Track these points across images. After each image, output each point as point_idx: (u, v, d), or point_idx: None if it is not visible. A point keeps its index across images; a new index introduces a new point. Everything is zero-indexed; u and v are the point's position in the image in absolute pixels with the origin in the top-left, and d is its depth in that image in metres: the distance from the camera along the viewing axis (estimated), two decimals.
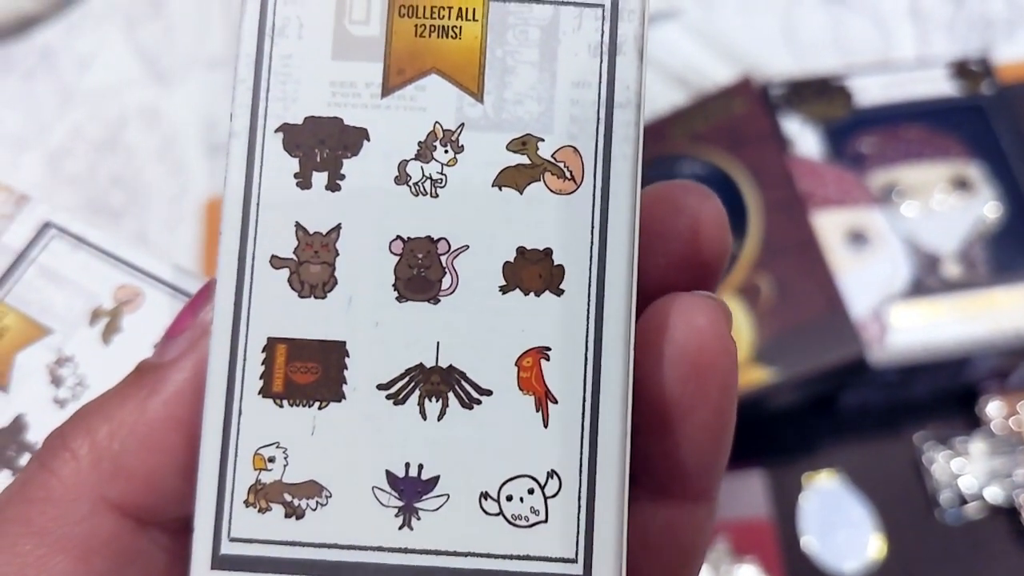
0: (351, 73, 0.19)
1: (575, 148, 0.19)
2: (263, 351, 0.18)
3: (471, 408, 0.18)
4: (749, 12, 0.71)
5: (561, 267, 0.18)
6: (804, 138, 0.57)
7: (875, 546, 0.52)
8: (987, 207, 0.55)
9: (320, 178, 0.19)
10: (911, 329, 0.51)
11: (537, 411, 0.18)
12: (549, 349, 0.18)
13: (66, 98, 0.72)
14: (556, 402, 0.18)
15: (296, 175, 0.19)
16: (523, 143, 0.19)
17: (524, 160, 0.19)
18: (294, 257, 0.18)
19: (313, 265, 0.18)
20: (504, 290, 0.18)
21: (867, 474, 0.54)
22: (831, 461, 0.55)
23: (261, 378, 0.18)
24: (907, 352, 0.51)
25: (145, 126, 0.71)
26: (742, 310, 0.51)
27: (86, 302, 0.25)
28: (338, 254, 0.18)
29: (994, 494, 0.52)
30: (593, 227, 0.18)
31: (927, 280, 0.53)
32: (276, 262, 0.18)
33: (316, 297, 0.18)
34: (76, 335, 0.25)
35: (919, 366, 0.52)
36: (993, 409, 0.55)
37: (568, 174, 0.19)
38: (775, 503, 0.53)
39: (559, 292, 0.18)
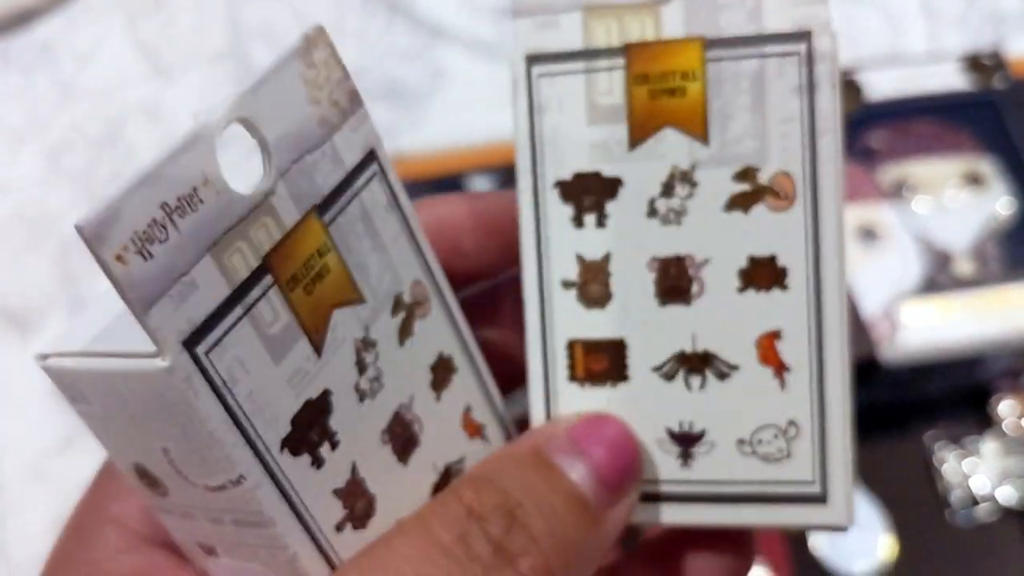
0: (603, 134, 0.24)
1: (787, 172, 0.23)
2: (566, 349, 0.24)
3: (724, 379, 0.23)
4: None
5: (784, 268, 0.23)
6: None
7: (885, 547, 0.51)
8: (1000, 203, 0.55)
9: (590, 219, 0.24)
10: (922, 327, 0.51)
11: (775, 378, 0.23)
12: (781, 331, 0.23)
13: (66, 93, 0.72)
14: (789, 371, 0.23)
15: (572, 218, 0.24)
16: (745, 174, 0.23)
17: (747, 187, 0.23)
18: (578, 280, 0.24)
19: (593, 285, 0.24)
20: (740, 290, 0.23)
21: (877, 474, 0.53)
22: None
23: (567, 368, 0.24)
24: (918, 350, 0.50)
25: (145, 121, 0.70)
26: None
27: (392, 282, 0.22)
28: (611, 275, 0.24)
29: (1006, 494, 0.52)
30: (807, 234, 0.23)
31: (939, 277, 0.52)
32: (566, 285, 0.24)
33: (599, 308, 0.24)
34: (381, 318, 0.22)
35: (930, 365, 0.51)
36: (1005, 408, 0.54)
37: (783, 194, 0.23)
38: None
39: (784, 287, 0.23)
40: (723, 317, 0.23)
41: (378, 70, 0.72)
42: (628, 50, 0.23)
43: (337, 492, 0.21)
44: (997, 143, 0.56)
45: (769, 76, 0.23)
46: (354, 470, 0.21)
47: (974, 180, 0.55)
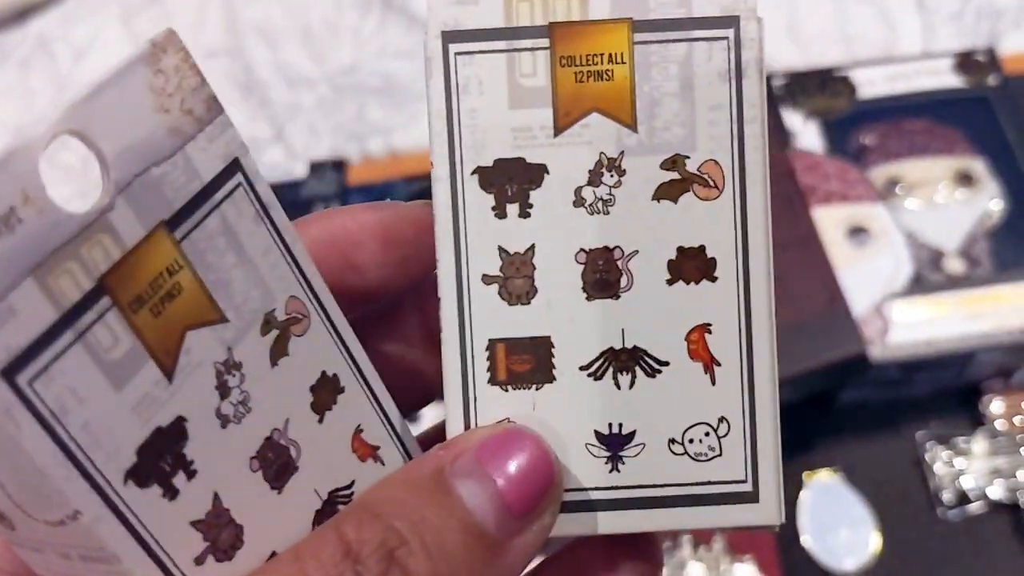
0: (527, 119, 0.23)
1: (716, 161, 0.22)
2: (486, 350, 0.23)
3: (654, 377, 0.23)
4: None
5: (713, 259, 0.23)
6: (806, 131, 0.57)
7: (874, 545, 0.52)
8: (991, 202, 0.55)
9: (513, 208, 0.23)
10: (913, 326, 0.51)
11: (705, 373, 0.23)
12: (710, 325, 0.23)
13: (61, 88, 0.72)
14: (720, 365, 0.23)
15: (493, 208, 0.23)
16: (673, 161, 0.22)
17: (675, 176, 0.22)
18: (500, 274, 0.23)
19: (517, 279, 0.23)
20: (670, 282, 0.23)
21: (867, 472, 0.54)
22: (831, 459, 0.54)
23: (488, 371, 0.23)
24: (909, 349, 0.50)
25: None
26: None
27: (262, 299, 0.21)
28: (535, 268, 0.23)
29: (996, 493, 0.52)
30: (736, 224, 0.23)
31: (930, 276, 0.52)
32: (487, 279, 0.23)
33: (522, 304, 0.23)
34: (247, 338, 0.20)
35: (921, 363, 0.51)
36: (996, 407, 0.54)
37: (712, 183, 0.22)
38: None
39: (713, 279, 0.23)
40: (652, 311, 0.23)
41: (373, 67, 0.72)
42: (553, 30, 0.22)
43: (196, 524, 0.19)
44: (989, 142, 0.56)
45: (697, 61, 0.22)
46: (216, 500, 0.20)
47: (966, 179, 0.55)
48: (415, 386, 0.26)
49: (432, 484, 0.21)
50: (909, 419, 0.55)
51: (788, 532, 0.52)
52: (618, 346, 0.23)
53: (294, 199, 0.62)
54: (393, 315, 0.26)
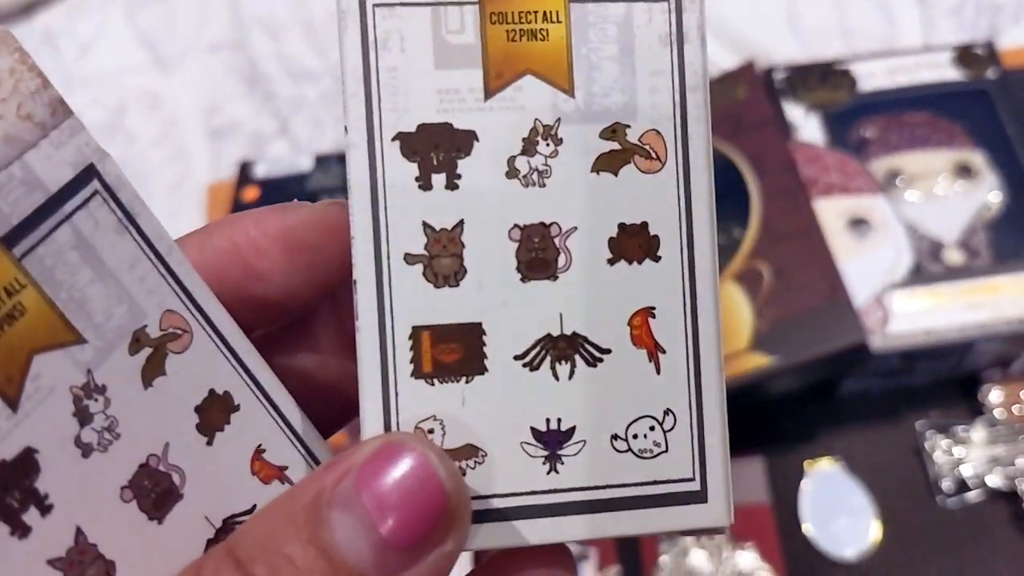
0: (454, 80, 0.21)
1: (658, 131, 0.21)
2: (410, 339, 0.21)
3: (595, 366, 0.21)
4: None
5: (656, 237, 0.21)
6: (807, 124, 0.57)
7: (875, 533, 0.52)
8: (990, 194, 0.55)
9: (439, 179, 0.21)
10: (913, 316, 0.51)
11: (650, 362, 0.21)
12: (654, 308, 0.21)
13: (67, 82, 0.72)
14: (664, 352, 0.21)
15: (417, 178, 0.21)
16: (613, 131, 0.21)
17: (615, 146, 0.21)
18: (425, 253, 0.21)
19: (443, 258, 0.21)
20: (611, 262, 0.21)
21: (867, 461, 0.54)
22: (831, 448, 0.55)
23: (411, 362, 0.21)
24: (908, 339, 0.51)
25: (146, 110, 0.71)
26: (743, 297, 0.51)
27: (129, 315, 0.19)
28: (464, 246, 0.21)
29: (995, 481, 0.52)
30: (679, 199, 0.21)
31: (929, 267, 0.53)
32: (410, 259, 0.21)
33: (450, 286, 0.21)
34: (112, 359, 0.19)
35: (920, 353, 0.52)
36: (994, 396, 0.55)
37: (654, 155, 0.21)
38: (775, 489, 0.53)
39: (657, 259, 0.21)
40: (593, 293, 0.21)
41: None
42: None
43: (55, 562, 0.18)
44: (989, 135, 0.56)
45: (637, 23, 0.21)
46: (79, 535, 0.18)
47: (965, 171, 0.56)
48: (335, 400, 0.24)
49: (306, 517, 0.18)
50: (909, 408, 0.55)
51: (790, 520, 0.52)
52: (556, 332, 0.21)
53: (299, 192, 0.63)
54: (308, 326, 0.25)
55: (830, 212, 0.54)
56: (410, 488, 0.18)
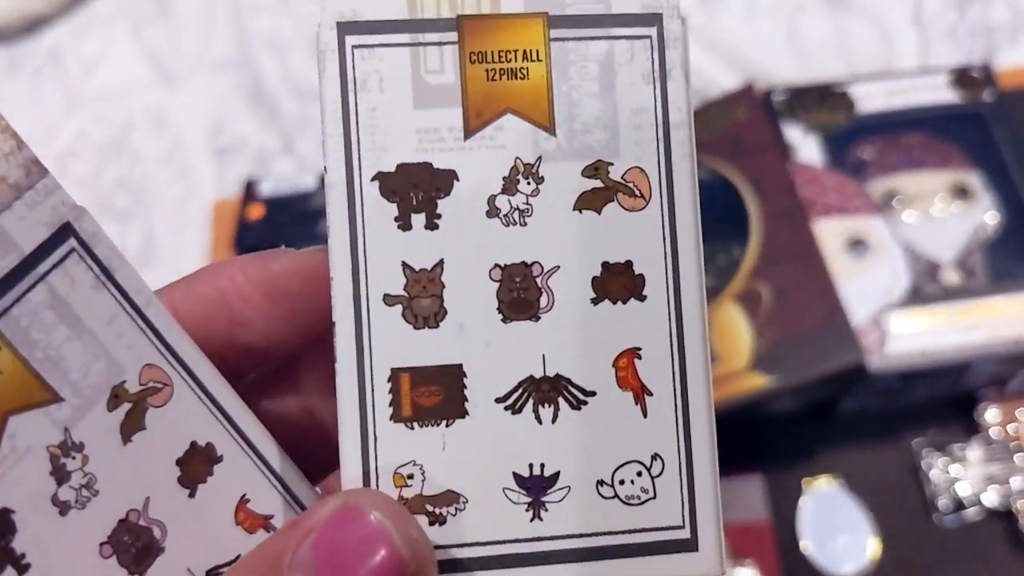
0: (434, 120, 0.20)
1: (641, 168, 0.21)
2: (388, 381, 0.20)
3: (579, 409, 0.21)
4: (753, 18, 0.71)
5: (642, 276, 0.21)
6: (805, 145, 0.58)
7: (872, 550, 0.53)
8: (987, 215, 0.56)
9: (418, 219, 0.20)
10: (910, 336, 0.52)
11: (636, 404, 0.21)
12: (640, 349, 0.21)
13: (72, 100, 0.73)
14: (651, 394, 0.21)
15: (396, 218, 0.20)
16: (595, 168, 0.21)
17: (598, 184, 0.21)
18: (405, 293, 0.20)
19: (423, 299, 0.20)
20: (595, 301, 0.21)
21: (865, 479, 0.55)
22: (830, 466, 0.55)
23: (390, 405, 0.20)
24: (906, 359, 0.51)
25: (151, 128, 0.71)
26: (743, 317, 0.51)
27: (107, 371, 0.19)
28: (444, 286, 0.20)
29: (991, 500, 0.53)
30: (664, 237, 0.21)
31: (927, 288, 0.53)
32: (389, 300, 0.20)
33: (430, 327, 0.20)
34: (90, 416, 0.19)
35: (918, 373, 0.52)
36: (991, 416, 0.55)
37: (638, 192, 0.21)
38: (774, 507, 0.53)
39: (642, 298, 0.21)
40: (576, 334, 0.21)
41: None
42: (461, 23, 0.20)
43: None
44: (985, 156, 0.57)
45: (619, 59, 0.21)
46: None
47: (962, 193, 0.56)
48: (325, 445, 0.23)
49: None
50: (906, 427, 0.56)
51: (788, 537, 0.53)
52: (539, 374, 0.21)
53: (304, 211, 0.63)
54: (294, 371, 0.24)
55: (829, 233, 0.54)
56: (364, 553, 0.18)
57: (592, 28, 0.21)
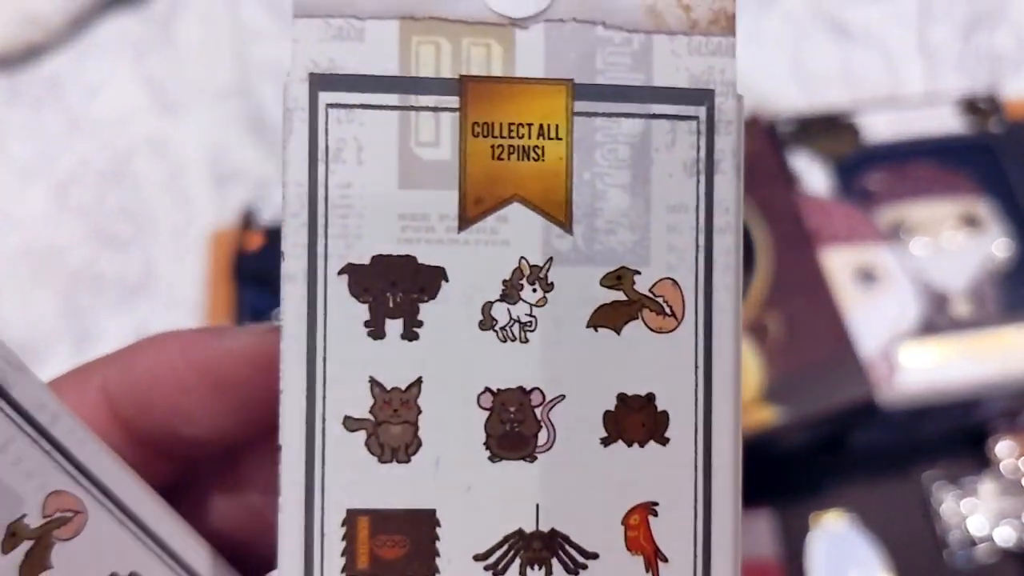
0: (422, 204, 0.17)
1: (674, 281, 0.17)
2: (343, 525, 0.17)
3: (577, 574, 0.17)
4: (758, 46, 0.71)
5: (665, 413, 0.17)
6: (812, 175, 0.57)
7: None
8: (996, 245, 0.55)
9: (394, 326, 0.17)
10: (920, 369, 0.51)
11: (647, 572, 0.17)
12: (656, 504, 0.17)
13: (73, 128, 0.72)
14: (666, 560, 0.17)
15: (367, 323, 0.17)
16: (618, 277, 0.17)
17: (620, 296, 0.17)
18: (371, 417, 0.17)
19: (393, 425, 0.17)
20: (606, 442, 0.17)
21: (876, 514, 0.54)
22: (839, 501, 0.54)
23: (343, 555, 0.17)
24: (916, 392, 0.51)
25: (152, 156, 0.71)
26: (750, 349, 0.51)
27: (2, 507, 0.16)
28: (420, 411, 0.17)
29: (1004, 535, 0.52)
30: (697, 368, 0.17)
31: (936, 319, 0.53)
32: (351, 424, 0.17)
33: (399, 461, 0.17)
34: None
35: (928, 406, 0.51)
36: (1003, 449, 0.54)
37: (668, 310, 0.17)
38: (783, 543, 0.53)
39: (664, 441, 0.17)
40: (580, 482, 0.17)
41: None
42: (465, 85, 0.17)
43: None
44: (993, 185, 0.56)
45: (656, 144, 0.17)
46: None
47: (971, 222, 0.56)
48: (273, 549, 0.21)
49: None
50: (917, 461, 0.55)
51: (797, 574, 0.52)
52: (530, 528, 0.17)
53: None
54: (245, 461, 0.21)
55: (836, 263, 0.54)
56: None
57: (626, 103, 0.17)
